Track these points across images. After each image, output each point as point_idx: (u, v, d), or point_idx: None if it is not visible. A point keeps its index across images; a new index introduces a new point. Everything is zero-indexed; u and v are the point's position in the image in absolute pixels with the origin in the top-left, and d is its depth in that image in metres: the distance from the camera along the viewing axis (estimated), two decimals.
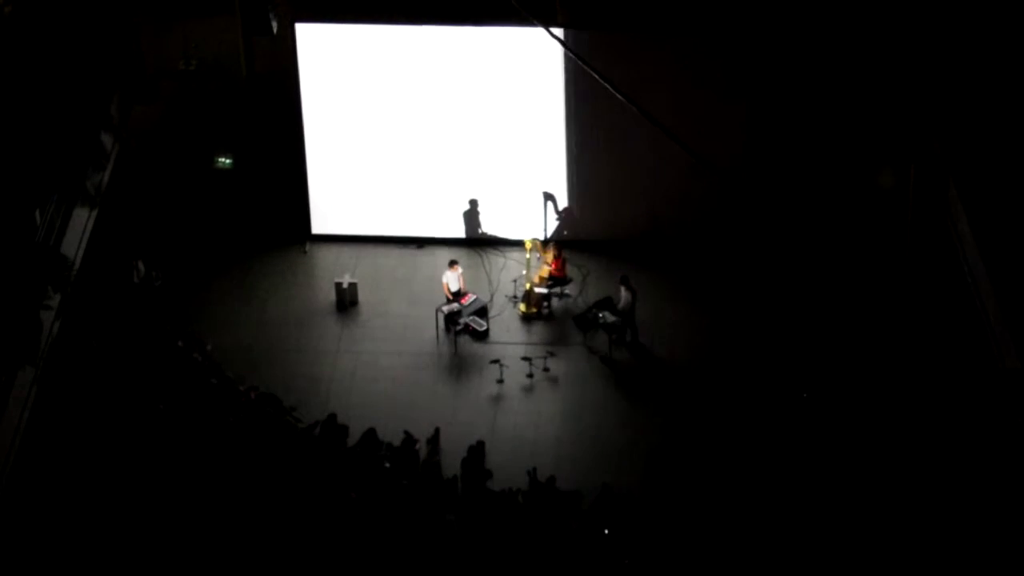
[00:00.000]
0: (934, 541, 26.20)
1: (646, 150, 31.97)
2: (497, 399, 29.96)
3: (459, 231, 33.52)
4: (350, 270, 32.67)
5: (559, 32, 30.98)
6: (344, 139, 33.00)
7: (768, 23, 31.14)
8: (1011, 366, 25.49)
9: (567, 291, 32.05)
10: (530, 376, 30.33)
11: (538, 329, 31.57)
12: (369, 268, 32.95)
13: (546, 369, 30.45)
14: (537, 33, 30.55)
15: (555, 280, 31.88)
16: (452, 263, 31.47)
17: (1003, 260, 26.13)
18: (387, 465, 27.71)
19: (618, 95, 26.58)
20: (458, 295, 31.36)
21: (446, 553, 26.06)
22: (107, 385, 28.21)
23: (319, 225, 33.62)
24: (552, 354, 30.60)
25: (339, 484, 26.96)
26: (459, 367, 30.72)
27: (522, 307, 31.84)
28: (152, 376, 28.60)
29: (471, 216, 33.40)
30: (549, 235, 33.18)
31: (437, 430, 28.78)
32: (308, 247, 33.58)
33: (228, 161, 31.79)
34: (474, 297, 31.56)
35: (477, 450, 28.13)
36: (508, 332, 31.47)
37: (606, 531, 26.37)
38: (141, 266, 31.67)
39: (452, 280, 31.38)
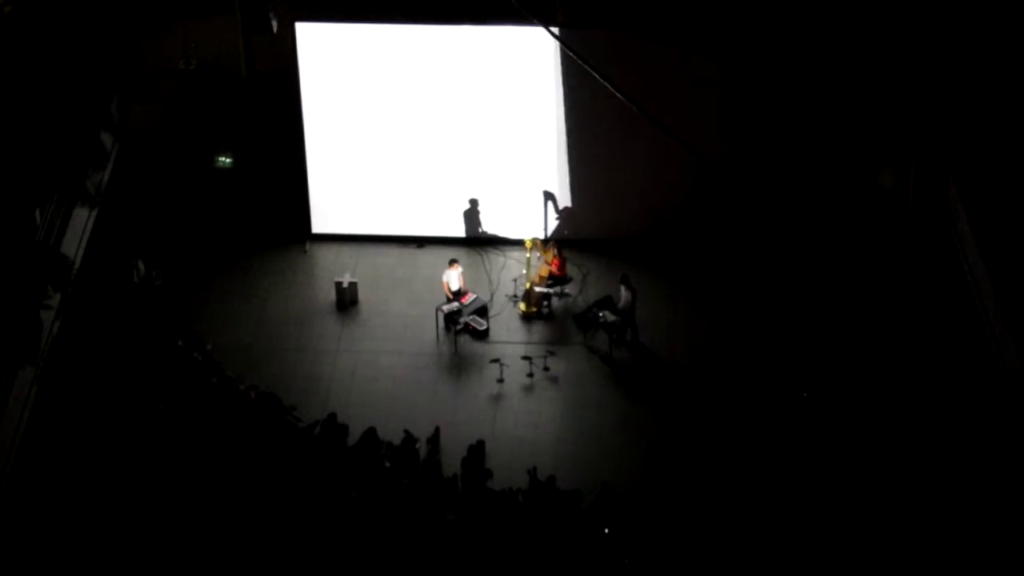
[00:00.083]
0: (934, 541, 26.20)
1: (646, 149, 31.97)
2: (497, 398, 29.96)
3: (459, 230, 33.53)
4: (350, 269, 32.68)
5: (559, 31, 30.96)
6: (344, 138, 33.00)
7: (768, 23, 31.13)
8: (1011, 365, 25.49)
9: (567, 290, 32.05)
10: (530, 375, 30.33)
11: (538, 328, 31.58)
12: (369, 267, 32.95)
13: (546, 368, 30.45)
14: (537, 32, 30.58)
15: (555, 279, 31.89)
16: (452, 262, 31.48)
17: (1003, 260, 26.13)
18: (387, 464, 27.73)
19: (618, 94, 26.58)
20: (458, 294, 31.37)
21: (446, 552, 26.06)
22: (107, 385, 28.22)
23: (319, 224, 33.62)
24: (552, 353, 30.60)
25: (339, 483, 26.97)
26: (459, 366, 30.73)
27: (522, 306, 31.84)
28: (152, 375, 28.61)
29: (471, 215, 33.40)
30: (549, 234, 33.19)
31: (437, 429, 28.79)
32: (308, 246, 33.59)
33: (228, 160, 31.79)
34: (474, 296, 31.57)
35: (477, 449, 28.14)
36: (508, 331, 31.48)
37: (606, 530, 26.38)
38: (141, 265, 31.67)
39: (452, 279, 31.39)
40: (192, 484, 26.65)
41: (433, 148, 32.92)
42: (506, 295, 32.23)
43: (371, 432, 28.23)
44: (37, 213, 26.10)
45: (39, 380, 25.59)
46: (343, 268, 32.73)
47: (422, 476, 27.75)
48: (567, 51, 29.99)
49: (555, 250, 31.88)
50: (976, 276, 27.21)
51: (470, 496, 27.47)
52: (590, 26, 31.41)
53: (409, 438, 28.24)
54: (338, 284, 32.13)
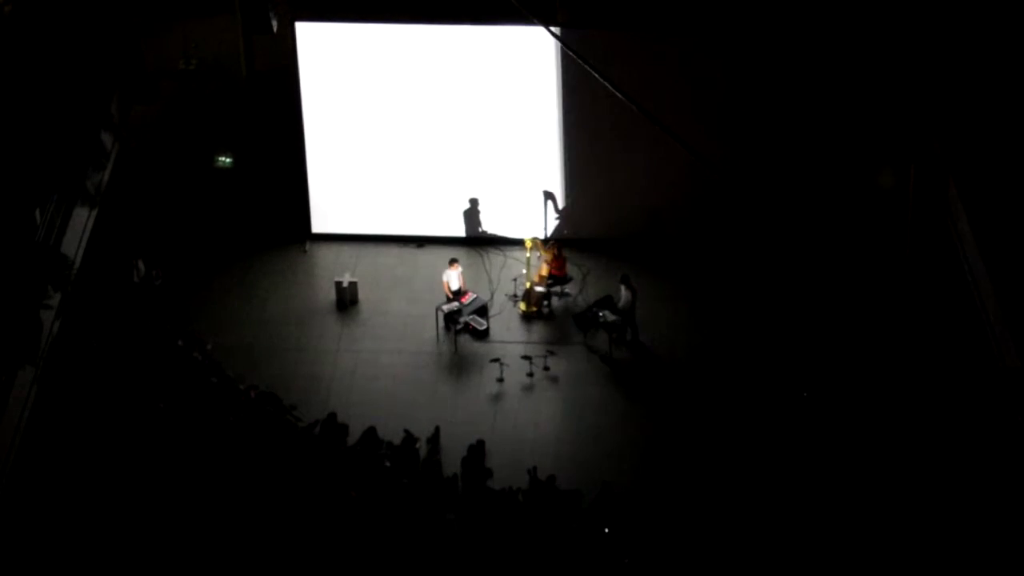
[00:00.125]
0: (934, 541, 26.19)
1: (646, 149, 31.97)
2: (497, 398, 29.97)
3: (459, 230, 33.53)
4: (350, 269, 32.68)
5: (559, 31, 30.96)
6: (344, 138, 33.00)
7: (768, 23, 31.13)
8: (1011, 365, 25.49)
9: (567, 290, 32.06)
10: (530, 375, 30.34)
11: (538, 328, 31.58)
12: (369, 267, 32.96)
13: (546, 368, 30.45)
14: (537, 32, 30.59)
15: (555, 279, 31.89)
16: (452, 261, 31.48)
17: (1003, 259, 26.13)
18: (387, 464, 27.73)
19: (618, 94, 26.58)
20: (458, 294, 31.37)
21: (446, 552, 26.06)
22: (107, 384, 28.22)
23: (319, 224, 33.62)
24: (552, 353, 30.60)
25: (339, 483, 26.98)
26: (459, 366, 30.73)
27: (522, 306, 31.85)
28: (152, 375, 28.62)
29: (471, 215, 33.40)
30: (549, 234, 33.19)
31: (437, 429, 28.79)
32: (308, 246, 33.59)
33: (228, 160, 31.79)
34: (474, 296, 31.57)
35: (477, 449, 28.14)
36: (508, 331, 31.48)
37: (606, 530, 26.38)
38: (141, 265, 31.67)
39: (452, 279, 31.39)
40: (192, 484, 26.65)
41: (433, 148, 32.92)
42: (506, 295, 32.23)
43: (371, 432, 28.23)
44: (37, 213, 26.10)
45: (39, 380, 25.58)
46: (343, 268, 32.74)
47: (422, 476, 27.75)
48: (567, 51, 29.99)
49: (555, 250, 31.88)
50: (976, 276, 27.21)
51: (470, 496, 27.47)
52: (590, 26, 31.41)
53: (409, 438, 28.24)
54: (338, 284, 32.13)
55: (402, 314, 31.81)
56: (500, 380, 30.18)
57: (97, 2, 28.94)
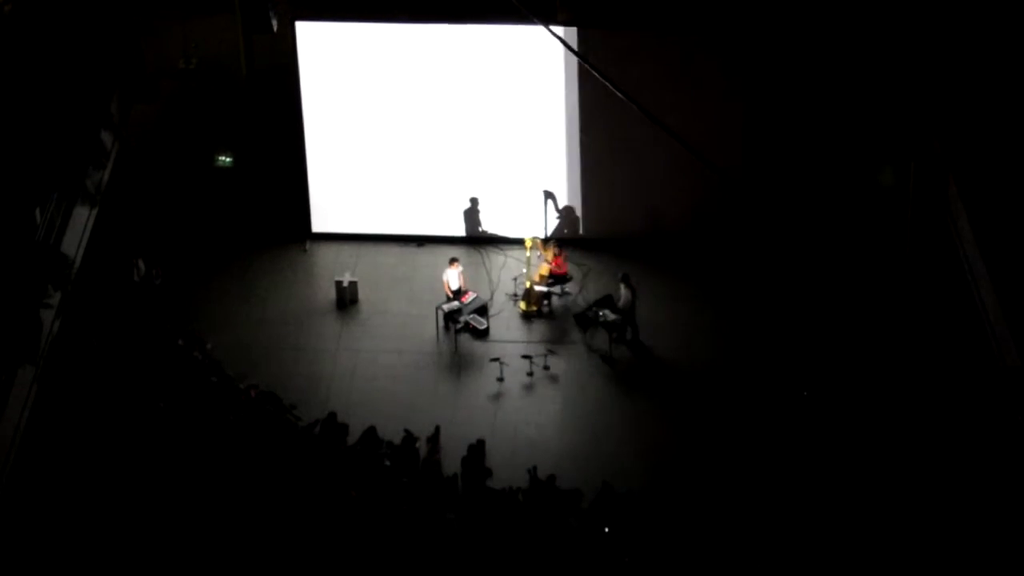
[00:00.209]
0: (934, 541, 26.19)
1: (647, 149, 31.97)
2: (497, 397, 29.96)
3: (459, 229, 33.53)
4: (350, 268, 32.68)
5: (560, 30, 30.94)
6: (344, 137, 33.01)
7: (768, 22, 31.13)
8: (1011, 364, 25.49)
9: (567, 289, 32.06)
10: (530, 374, 30.33)
11: (538, 327, 31.58)
12: (369, 266, 32.96)
13: (546, 367, 30.45)
14: (537, 31, 30.56)
15: (555, 278, 31.90)
16: (452, 261, 31.48)
17: (1003, 258, 26.13)
18: (387, 463, 27.73)
19: (619, 93, 26.57)
20: (458, 293, 31.36)
21: (446, 551, 26.06)
22: (107, 384, 28.22)
23: (319, 223, 33.63)
24: (552, 352, 30.61)
25: (339, 482, 26.97)
26: (459, 365, 30.73)
27: (522, 305, 31.84)
28: (152, 374, 28.62)
29: (471, 214, 33.40)
30: (549, 233, 33.19)
31: (437, 428, 28.78)
32: (308, 245, 33.59)
33: (228, 159, 31.76)
34: (474, 295, 31.57)
35: (477, 448, 28.13)
36: (508, 330, 31.48)
37: (606, 529, 26.38)
38: (141, 264, 31.67)
39: (452, 278, 31.38)
40: (192, 483, 26.65)
41: (433, 147, 32.93)
42: (506, 294, 32.23)
43: (371, 431, 28.23)
44: (37, 212, 26.11)
45: (39, 379, 25.58)
46: (343, 267, 32.74)
47: (422, 475, 27.75)
48: (568, 50, 29.99)
49: (555, 249, 31.88)
50: (976, 275, 27.21)
51: (470, 495, 27.47)
52: (591, 25, 31.41)
53: (409, 437, 28.23)
54: (338, 283, 32.13)
55: (402, 313, 31.80)
56: (500, 379, 30.18)
57: (97, 1, 28.93)
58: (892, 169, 30.52)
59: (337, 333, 31.47)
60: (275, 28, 31.65)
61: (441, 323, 31.16)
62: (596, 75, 26.80)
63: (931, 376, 29.18)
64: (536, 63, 32.19)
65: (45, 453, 26.60)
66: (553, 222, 33.25)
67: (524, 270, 32.01)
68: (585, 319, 31.21)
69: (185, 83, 32.40)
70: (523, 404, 29.80)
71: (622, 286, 30.78)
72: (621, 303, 30.87)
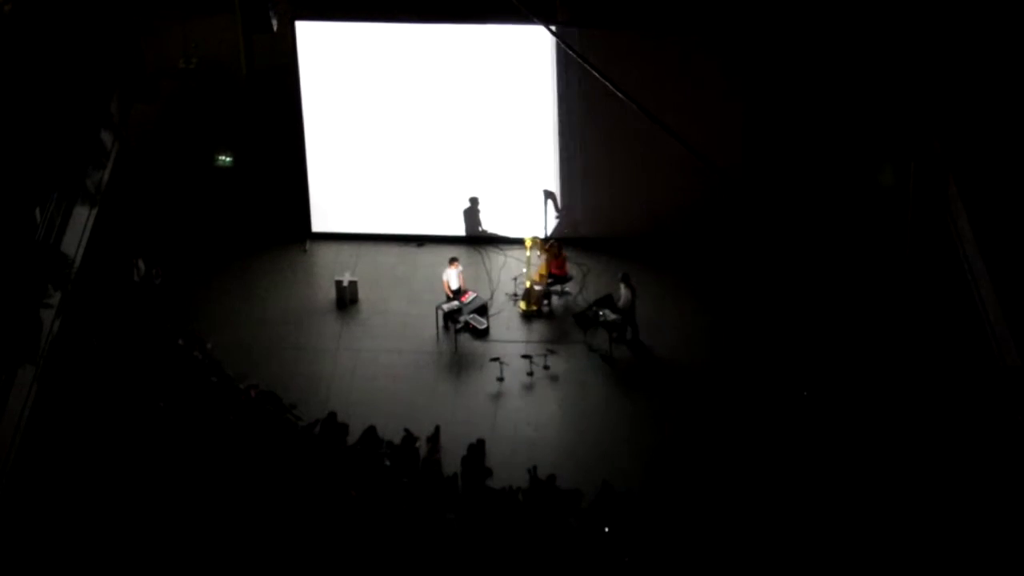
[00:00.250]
0: (934, 541, 26.19)
1: (646, 148, 31.96)
2: (497, 397, 29.96)
3: (459, 229, 33.53)
4: (350, 268, 32.68)
5: (559, 30, 30.96)
6: (344, 137, 33.01)
7: (768, 22, 31.13)
8: (1011, 364, 25.49)
9: (567, 289, 32.07)
10: (530, 374, 30.33)
11: (538, 327, 31.58)
12: (369, 266, 32.96)
13: (546, 367, 30.45)
14: (537, 31, 30.60)
15: (555, 278, 31.90)
16: (452, 261, 31.48)
17: (1003, 258, 26.13)
18: (387, 463, 27.73)
19: (618, 93, 26.58)
20: (458, 293, 31.36)
21: (446, 551, 26.06)
22: (107, 383, 28.22)
23: (319, 223, 33.63)
24: (552, 352, 30.60)
25: (339, 482, 26.97)
26: (459, 365, 30.73)
27: (522, 305, 31.84)
28: (152, 374, 28.62)
29: (471, 214, 33.40)
30: (549, 233, 33.19)
31: (437, 428, 28.77)
32: (308, 245, 33.59)
33: (228, 159, 31.78)
34: (474, 295, 31.57)
35: (477, 448, 28.13)
36: (508, 330, 31.48)
37: (606, 529, 26.38)
38: (141, 264, 31.67)
39: (452, 278, 31.38)
40: (192, 483, 26.65)
41: (433, 147, 32.93)
42: (506, 294, 32.23)
43: (371, 431, 28.23)
44: (37, 212, 26.12)
45: (39, 379, 25.59)
46: (343, 267, 32.74)
47: (422, 475, 27.75)
48: (568, 50, 29.99)
49: (555, 249, 31.88)
50: (976, 275, 27.21)
51: (470, 495, 27.47)
52: (591, 25, 31.41)
53: (409, 437, 28.24)
54: (338, 283, 32.13)
55: (402, 313, 31.81)
56: (500, 379, 30.18)
57: (97, 1, 28.94)
58: (892, 169, 30.53)
59: (337, 333, 31.48)
60: (275, 28, 31.68)
61: (441, 323, 31.16)
62: (596, 75, 26.81)
63: (931, 376, 29.17)
64: (534, 63, 32.19)
65: (45, 453, 26.60)
66: (553, 222, 33.25)
67: (524, 270, 32.01)
68: (585, 319, 31.21)
69: (185, 83, 32.41)
70: (523, 404, 29.80)
71: (622, 286, 30.78)
72: (621, 303, 30.87)
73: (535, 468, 27.60)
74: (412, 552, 25.99)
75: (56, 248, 26.31)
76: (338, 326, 31.64)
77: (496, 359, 30.31)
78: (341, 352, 30.99)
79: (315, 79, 32.55)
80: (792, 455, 28.17)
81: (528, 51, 32.10)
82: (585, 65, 27.37)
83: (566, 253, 32.07)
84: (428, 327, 31.31)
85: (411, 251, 33.41)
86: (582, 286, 32.23)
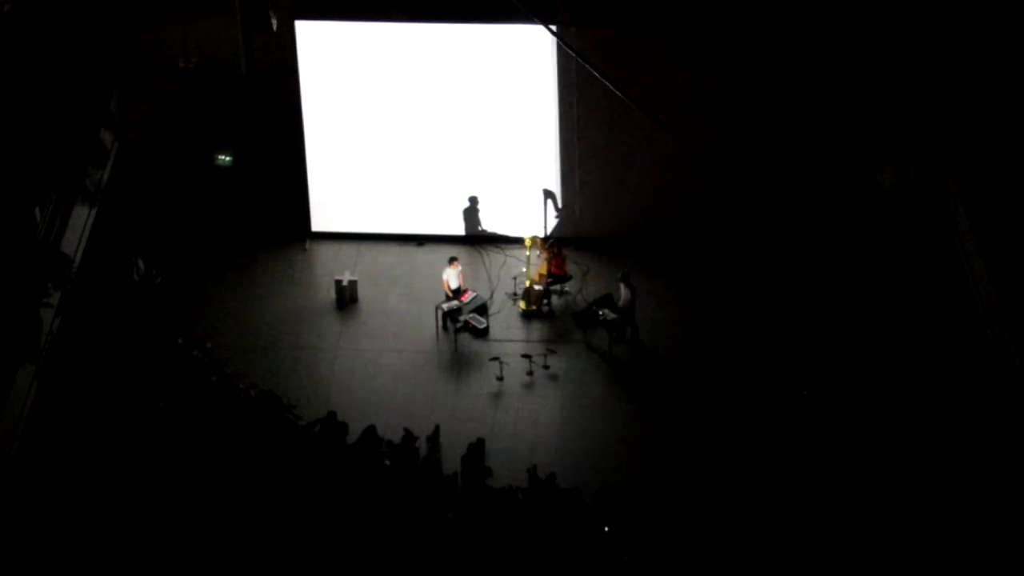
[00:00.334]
0: (934, 540, 26.19)
1: (646, 147, 31.98)
2: (497, 396, 29.96)
3: (459, 228, 33.53)
4: (350, 267, 32.68)
5: (559, 30, 30.95)
6: (344, 137, 33.00)
7: (768, 21, 31.12)
8: (1011, 364, 25.49)
9: (567, 288, 32.06)
10: (530, 373, 30.33)
11: (538, 326, 31.58)
12: (369, 265, 32.96)
13: (546, 366, 30.45)
14: (537, 30, 30.59)
15: (555, 277, 31.89)
16: (452, 260, 31.48)
17: (1003, 258, 26.14)
18: (387, 462, 27.73)
19: (618, 92, 26.57)
20: (458, 292, 31.36)
21: (446, 550, 26.06)
22: (107, 382, 28.22)
23: (319, 222, 33.62)
24: (552, 351, 30.60)
25: (339, 481, 26.97)
26: (459, 364, 30.73)
27: (522, 304, 31.84)
28: (152, 373, 28.61)
29: (471, 213, 33.40)
30: (549, 232, 33.19)
31: (437, 427, 28.79)
32: (308, 244, 33.59)
33: (228, 159, 31.78)
34: (474, 294, 31.57)
35: (477, 447, 28.14)
36: (508, 329, 31.48)
37: (606, 528, 26.39)
38: (141, 264, 31.67)
39: (452, 277, 31.38)
40: (192, 482, 26.65)
41: (433, 146, 32.92)
42: (506, 293, 32.23)
43: (371, 430, 28.24)
44: (37, 211, 26.11)
45: (39, 378, 25.58)
46: (343, 266, 32.74)
47: (422, 474, 27.75)
48: (568, 50, 29.99)
49: (555, 248, 31.88)
50: (976, 275, 27.21)
51: (470, 494, 27.47)
52: (591, 25, 31.40)
53: (409, 436, 28.24)
54: (338, 282, 32.13)
55: (402, 312, 31.81)
56: (500, 379, 30.18)
57: (97, 1, 28.91)
58: (892, 169, 30.53)
59: (337, 332, 31.48)
60: (275, 27, 31.65)
61: (441, 322, 31.16)
62: (596, 74, 26.80)
63: (931, 375, 29.17)
64: (534, 62, 32.18)
65: (45, 452, 26.60)
66: (553, 221, 33.24)
67: (524, 269, 32.01)
68: (585, 318, 31.21)
69: (185, 82, 32.39)
70: (523, 403, 29.80)
71: (622, 285, 30.79)
72: (621, 302, 30.88)
73: (535, 467, 27.61)
74: (412, 551, 25.98)
75: (56, 248, 26.30)
76: (338, 325, 31.64)
77: (496, 359, 30.31)
78: (341, 351, 30.99)
79: (315, 79, 32.54)
80: (792, 454, 28.17)
81: (528, 51, 32.09)
82: (585, 65, 27.37)
83: (566, 252, 32.07)
84: (428, 327, 31.31)
85: (411, 251, 33.40)
86: (582, 286, 32.23)
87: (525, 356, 30.40)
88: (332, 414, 28.55)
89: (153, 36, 31.76)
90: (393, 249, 33.41)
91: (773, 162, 32.17)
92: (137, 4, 31.01)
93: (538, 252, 31.88)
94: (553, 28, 30.28)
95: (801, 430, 28.62)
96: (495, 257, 33.10)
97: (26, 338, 24.62)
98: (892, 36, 30.44)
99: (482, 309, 31.48)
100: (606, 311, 30.88)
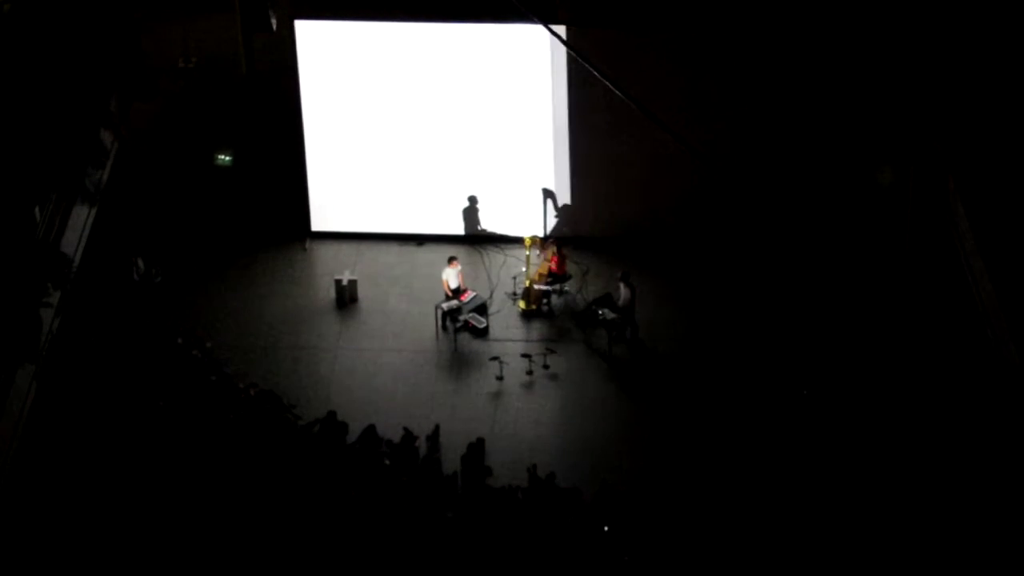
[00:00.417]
0: (934, 540, 26.19)
1: (646, 147, 31.97)
2: (497, 396, 29.96)
3: (459, 228, 33.53)
4: (350, 267, 32.69)
5: (559, 29, 30.94)
6: (344, 136, 33.01)
7: (767, 21, 31.12)
8: (1011, 363, 25.49)
9: (567, 288, 32.07)
10: (530, 373, 30.34)
11: (538, 326, 31.58)
12: (369, 265, 32.96)
13: (546, 366, 30.45)
14: (537, 30, 30.59)
15: (555, 277, 31.90)
16: (451, 260, 31.48)
17: (1003, 258, 26.13)
18: (387, 462, 27.73)
19: (618, 92, 26.56)
20: (458, 292, 31.36)
21: (446, 550, 26.06)
22: (107, 382, 28.22)
23: (319, 222, 33.62)
24: (552, 351, 30.60)
25: (339, 481, 26.97)
26: (459, 364, 30.73)
27: (522, 304, 31.84)
28: (152, 373, 28.61)
29: (471, 213, 33.40)
30: (549, 232, 33.19)
31: (437, 427, 28.79)
32: (308, 244, 33.59)
33: (228, 158, 31.78)
34: (474, 294, 31.57)
35: (477, 447, 28.14)
36: (508, 329, 31.48)
37: (606, 528, 26.38)
38: (141, 263, 31.68)
39: (451, 277, 31.38)
40: (192, 482, 26.65)
41: (433, 146, 32.92)
42: (505, 293, 32.24)
43: (370, 430, 28.24)
44: (37, 211, 26.10)
45: (39, 378, 25.58)
46: (343, 266, 32.74)
47: (422, 474, 27.76)
48: (568, 49, 29.99)
49: (555, 247, 31.88)
50: (976, 275, 27.21)
51: (470, 494, 27.48)
52: (590, 25, 31.40)
53: (409, 436, 28.24)
54: (338, 282, 32.13)
55: (401, 312, 31.81)
56: (500, 378, 30.18)
57: (97, 1, 28.90)
58: (891, 168, 30.53)
59: (337, 332, 31.48)
60: (275, 27, 31.65)
61: (440, 322, 31.16)
62: (596, 74, 26.79)
63: (930, 375, 29.17)
64: (534, 62, 32.18)
65: (44, 451, 26.60)
66: (552, 221, 33.24)
67: (523, 269, 32.02)
68: (585, 318, 31.21)
69: (185, 82, 32.39)
70: (523, 403, 29.80)
71: (622, 285, 30.79)
72: (621, 302, 30.88)
73: (535, 467, 27.61)
74: (412, 551, 25.98)
75: (56, 247, 26.29)
76: (338, 325, 31.64)
77: (496, 358, 30.31)
78: (341, 351, 31.00)
79: (315, 78, 32.55)
80: (792, 454, 28.17)
81: (527, 50, 32.09)
82: (585, 64, 27.36)
83: (566, 252, 32.08)
84: (428, 326, 31.32)
85: (411, 250, 33.40)
86: (582, 285, 32.23)
87: (525, 356, 30.41)
88: (332, 414, 28.55)
89: (153, 36, 31.77)
90: (393, 249, 33.41)
91: (773, 162, 32.17)
92: (137, 4, 31.01)
93: (538, 252, 31.88)
94: (553, 28, 30.27)
95: (801, 430, 28.62)
96: (495, 257, 33.10)
97: (26, 338, 24.61)
98: (892, 36, 30.45)
99: (482, 309, 31.48)
100: (606, 311, 30.88)
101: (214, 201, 33.02)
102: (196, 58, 32.28)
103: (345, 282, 32.06)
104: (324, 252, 33.41)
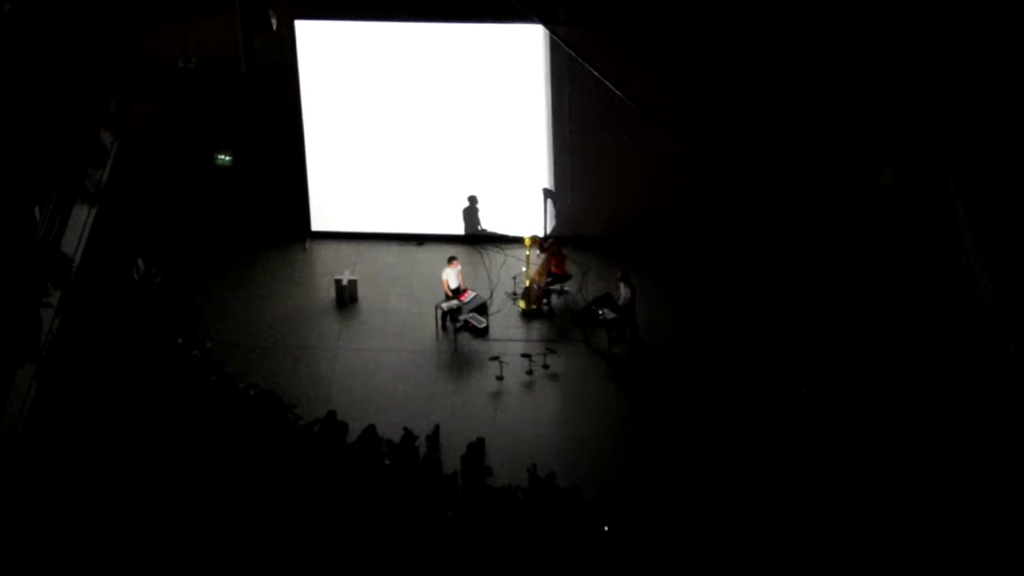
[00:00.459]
0: (934, 540, 26.19)
1: (645, 147, 31.97)
2: (497, 396, 29.97)
3: (459, 228, 33.53)
4: (350, 267, 32.69)
5: (559, 29, 30.96)
6: (344, 136, 33.01)
7: (767, 21, 31.13)
8: (1011, 362, 25.49)
9: (567, 288, 32.07)
10: (530, 373, 30.34)
11: (538, 326, 31.58)
12: (369, 265, 32.96)
13: (546, 366, 30.45)
14: (536, 29, 30.59)
15: (555, 277, 31.90)
16: (451, 260, 31.48)
17: (1003, 258, 26.13)
18: (387, 462, 27.73)
19: (617, 92, 26.59)
20: (458, 292, 31.36)
21: (445, 550, 26.06)
22: (107, 382, 28.22)
23: (319, 222, 33.62)
24: (552, 351, 30.60)
25: (339, 481, 26.97)
26: (459, 364, 30.74)
27: (522, 304, 31.85)
28: (152, 373, 28.61)
29: (471, 213, 33.40)
30: (549, 232, 33.19)
31: (437, 427, 28.79)
32: (308, 244, 33.60)
33: (228, 158, 31.80)
34: (474, 294, 31.57)
35: (477, 447, 28.15)
36: (508, 329, 31.49)
37: (606, 528, 26.39)
38: (141, 263, 31.67)
39: (451, 277, 31.39)
40: (192, 482, 26.65)
41: (433, 146, 32.93)
42: (505, 292, 32.24)
43: (370, 430, 28.24)
44: (37, 211, 26.10)
45: (39, 378, 25.58)
46: (343, 266, 32.74)
47: (422, 473, 27.76)
48: (567, 49, 29.99)
49: (555, 247, 31.88)
50: (976, 275, 27.21)
51: (470, 493, 27.48)
52: (590, 24, 31.41)
53: (409, 436, 28.25)
54: (338, 282, 32.14)
55: (401, 312, 31.81)
56: (500, 378, 30.18)
57: (97, 1, 28.91)
58: (891, 168, 30.53)
59: (337, 332, 31.48)
60: (275, 27, 31.66)
61: (440, 322, 31.16)
62: (596, 74, 26.82)
63: (930, 375, 29.17)
64: (534, 61, 32.18)
65: (44, 451, 26.60)
66: (552, 220, 33.25)
67: (523, 268, 32.02)
68: (585, 318, 31.22)
69: (185, 82, 32.40)
70: (523, 403, 29.81)
71: (622, 285, 30.79)
72: (621, 302, 30.88)
73: (535, 467, 27.61)
74: (411, 551, 25.98)
75: (56, 247, 26.29)
76: (338, 325, 31.65)
77: (495, 358, 30.32)
78: (341, 351, 31.00)
79: (315, 78, 32.55)
80: (792, 454, 28.17)
81: (527, 50, 32.09)
82: (585, 64, 27.38)
83: (566, 252, 32.08)
84: (428, 326, 31.32)
85: (411, 250, 33.41)
86: (582, 285, 32.23)
87: (525, 356, 30.41)
88: (332, 414, 28.56)
89: (153, 36, 31.77)
90: (393, 249, 33.41)
91: (772, 162, 32.17)
92: (137, 4, 31.01)
93: (538, 251, 31.88)
94: (553, 28, 30.28)
95: (801, 429, 28.62)
96: (495, 257, 33.11)
97: (26, 338, 24.60)
98: (892, 36, 30.45)
99: (482, 309, 31.48)
100: (606, 311, 30.88)
101: (214, 201, 33.03)
102: (196, 58, 32.31)
103: (345, 282, 32.07)
104: (324, 252, 33.41)
